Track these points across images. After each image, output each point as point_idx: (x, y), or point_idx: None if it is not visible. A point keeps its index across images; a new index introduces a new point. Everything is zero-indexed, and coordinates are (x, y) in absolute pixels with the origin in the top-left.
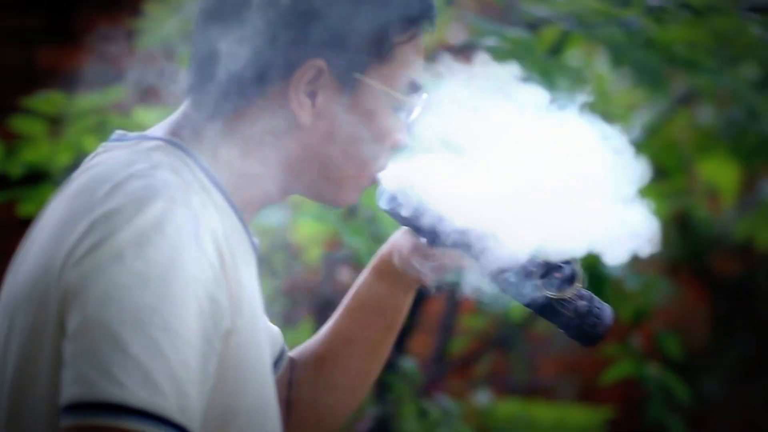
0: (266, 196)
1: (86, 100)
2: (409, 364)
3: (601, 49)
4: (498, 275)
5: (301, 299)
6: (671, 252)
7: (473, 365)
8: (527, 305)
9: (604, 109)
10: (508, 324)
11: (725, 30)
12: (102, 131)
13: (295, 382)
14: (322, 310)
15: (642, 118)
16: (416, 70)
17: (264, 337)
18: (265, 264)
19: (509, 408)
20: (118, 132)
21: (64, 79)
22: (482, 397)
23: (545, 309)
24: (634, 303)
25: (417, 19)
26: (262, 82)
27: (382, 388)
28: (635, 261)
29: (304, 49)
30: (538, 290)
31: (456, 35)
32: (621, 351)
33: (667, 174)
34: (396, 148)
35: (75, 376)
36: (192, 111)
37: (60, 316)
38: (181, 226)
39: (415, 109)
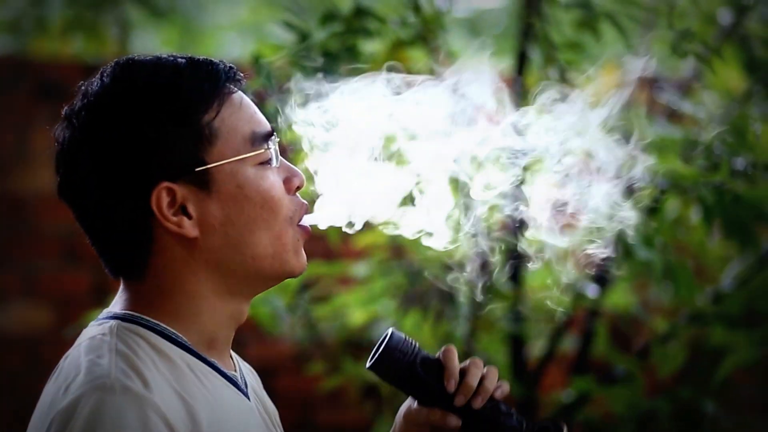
0: (228, 316)
1: None
2: None
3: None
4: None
5: None
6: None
7: None
8: None
9: (699, 260)
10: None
11: None
12: None
13: None
14: None
15: (735, 268)
16: (249, 122)
17: None
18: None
19: None
20: (104, 311)
21: None
22: None
23: None
24: None
25: (211, 93)
26: (133, 236)
27: None
28: None
29: (140, 186)
30: None
31: None
32: None
33: (761, 320)
34: (299, 188)
35: None
36: (125, 279)
37: None
38: (120, 412)
39: (274, 150)
